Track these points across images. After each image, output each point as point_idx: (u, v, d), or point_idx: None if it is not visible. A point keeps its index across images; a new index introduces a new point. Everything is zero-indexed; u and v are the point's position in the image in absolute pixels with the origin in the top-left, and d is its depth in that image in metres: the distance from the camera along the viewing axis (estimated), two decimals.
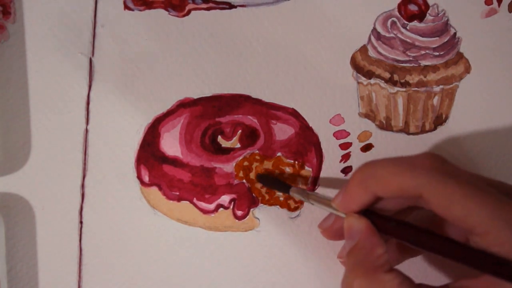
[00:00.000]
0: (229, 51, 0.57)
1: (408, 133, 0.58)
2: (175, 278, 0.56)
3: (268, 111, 0.57)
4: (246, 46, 0.57)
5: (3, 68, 0.55)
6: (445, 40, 0.57)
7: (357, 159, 0.57)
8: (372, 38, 0.57)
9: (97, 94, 0.56)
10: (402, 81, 0.57)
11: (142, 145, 0.56)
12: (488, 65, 0.58)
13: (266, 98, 0.57)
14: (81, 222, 0.56)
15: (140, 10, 0.56)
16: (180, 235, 0.56)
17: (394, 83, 0.57)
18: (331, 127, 0.57)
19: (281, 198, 0.57)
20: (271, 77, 0.57)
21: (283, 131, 0.57)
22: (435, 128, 0.58)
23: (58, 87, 0.55)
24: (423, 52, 0.56)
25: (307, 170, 0.57)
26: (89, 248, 0.56)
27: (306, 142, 0.57)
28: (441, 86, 0.57)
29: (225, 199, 0.56)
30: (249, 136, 0.56)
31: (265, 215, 0.57)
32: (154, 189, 0.56)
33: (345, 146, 0.57)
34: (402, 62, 0.57)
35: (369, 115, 0.58)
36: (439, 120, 0.58)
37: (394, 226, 0.47)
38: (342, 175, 0.57)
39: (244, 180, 0.56)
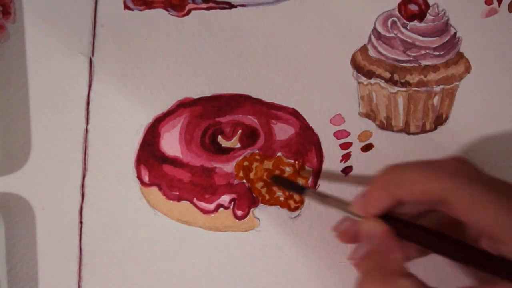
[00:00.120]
0: (229, 51, 0.57)
1: (409, 133, 0.58)
2: (175, 278, 0.56)
3: (268, 111, 0.57)
4: (246, 46, 0.57)
5: (3, 68, 0.55)
6: (446, 40, 0.57)
7: (358, 159, 0.57)
8: (373, 38, 0.57)
9: (97, 94, 0.56)
10: (403, 81, 0.56)
11: (142, 145, 0.56)
12: (489, 65, 0.57)
13: (266, 98, 0.57)
14: (81, 222, 0.56)
15: (140, 10, 0.56)
16: (180, 235, 0.56)
17: (394, 83, 0.57)
18: (331, 127, 0.57)
19: (282, 198, 0.57)
20: (271, 77, 0.57)
21: (283, 131, 0.57)
22: (435, 128, 0.58)
23: (58, 87, 0.55)
24: (423, 52, 0.56)
25: (308, 170, 0.57)
26: (89, 248, 0.56)
27: (307, 142, 0.57)
28: (441, 86, 0.57)
29: (225, 199, 0.56)
30: (249, 136, 0.56)
31: (265, 215, 0.57)
32: (154, 189, 0.56)
33: (345, 146, 0.57)
34: (403, 62, 0.57)
35: (370, 115, 0.58)
36: (440, 120, 0.58)
37: (414, 231, 0.47)
38: (342, 175, 0.57)
39: (244, 180, 0.56)
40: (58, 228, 0.55)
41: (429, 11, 0.57)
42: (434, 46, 0.57)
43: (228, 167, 0.56)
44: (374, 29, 0.57)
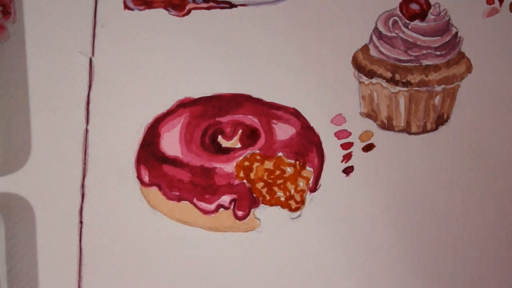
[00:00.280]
0: (229, 51, 0.57)
1: (410, 133, 0.58)
2: (175, 278, 0.56)
3: (269, 110, 0.57)
4: (247, 46, 0.57)
5: (3, 68, 0.55)
6: (447, 40, 0.57)
7: (359, 159, 0.57)
8: (374, 38, 0.57)
9: (97, 94, 0.56)
10: (404, 80, 0.56)
11: (142, 145, 0.56)
12: (490, 64, 0.57)
13: (266, 98, 0.57)
14: (81, 222, 0.56)
15: (140, 10, 0.56)
16: (180, 235, 0.56)
17: (395, 82, 0.56)
18: (332, 127, 0.57)
19: (282, 199, 0.56)
20: (271, 76, 0.57)
21: (284, 131, 0.57)
22: (436, 128, 0.58)
23: (58, 87, 0.55)
24: (424, 51, 0.56)
25: (308, 170, 0.57)
26: (89, 248, 0.56)
27: (307, 142, 0.57)
28: (442, 86, 0.57)
29: (225, 199, 0.56)
30: (250, 136, 0.56)
31: (266, 216, 0.57)
32: (154, 189, 0.56)
33: (346, 146, 0.57)
34: (404, 61, 0.57)
35: (371, 115, 0.57)
36: (441, 120, 0.58)
37: None
38: (343, 175, 0.57)
39: (244, 180, 0.56)
40: (58, 228, 0.55)
41: (430, 11, 0.57)
42: (436, 45, 0.56)
43: (229, 167, 0.56)
44: (376, 28, 0.57)
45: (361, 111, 0.57)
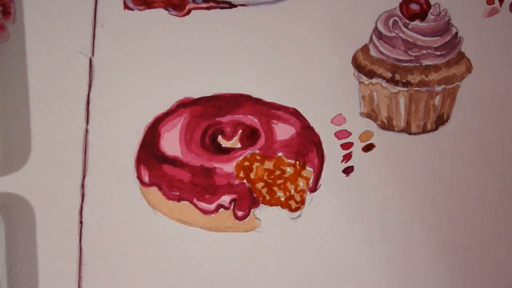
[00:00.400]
0: (229, 51, 0.57)
1: (410, 133, 0.58)
2: (175, 278, 0.56)
3: (269, 110, 0.57)
4: (247, 46, 0.57)
5: (3, 68, 0.55)
6: (447, 40, 0.57)
7: (359, 159, 0.57)
8: (374, 38, 0.57)
9: (97, 94, 0.56)
10: (404, 80, 0.56)
11: (142, 145, 0.56)
12: (490, 64, 0.57)
13: (266, 98, 0.57)
14: (81, 222, 0.56)
15: (140, 10, 0.56)
16: (180, 235, 0.56)
17: (395, 82, 0.56)
18: (332, 127, 0.57)
19: (282, 199, 0.56)
20: (271, 76, 0.57)
21: (284, 131, 0.57)
22: (436, 128, 0.58)
23: (58, 87, 0.55)
24: (424, 51, 0.56)
25: (308, 170, 0.57)
26: (89, 248, 0.56)
27: (307, 142, 0.57)
28: (442, 86, 0.57)
29: (225, 199, 0.56)
30: (250, 136, 0.56)
31: (266, 216, 0.57)
32: (154, 189, 0.56)
33: (346, 146, 0.57)
34: (404, 61, 0.56)
35: (371, 115, 0.57)
36: (441, 120, 0.58)
37: None
38: (343, 175, 0.57)
39: (244, 180, 0.56)
40: (58, 228, 0.55)
41: (430, 11, 0.57)
42: (436, 45, 0.56)
43: (229, 167, 0.56)
44: (376, 28, 0.57)
45: (361, 111, 0.57)
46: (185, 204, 0.56)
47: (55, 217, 0.55)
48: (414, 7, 0.57)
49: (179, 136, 0.56)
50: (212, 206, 0.56)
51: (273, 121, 0.57)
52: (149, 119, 0.56)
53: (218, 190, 0.56)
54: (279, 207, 0.57)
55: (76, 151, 0.56)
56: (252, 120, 0.56)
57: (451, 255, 0.57)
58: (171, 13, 0.56)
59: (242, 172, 0.56)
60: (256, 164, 0.56)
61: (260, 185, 0.56)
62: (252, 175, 0.56)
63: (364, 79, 0.57)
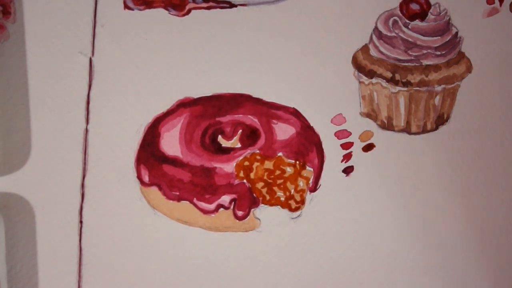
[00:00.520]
0: (229, 51, 0.57)
1: (410, 133, 0.58)
2: (175, 278, 0.56)
3: (269, 110, 0.57)
4: (247, 46, 0.57)
5: (3, 68, 0.55)
6: (447, 40, 0.57)
7: (359, 159, 0.57)
8: (374, 37, 0.57)
9: (97, 94, 0.56)
10: (404, 80, 0.56)
11: (142, 145, 0.56)
12: (490, 64, 0.57)
13: (266, 98, 0.57)
14: (81, 222, 0.56)
15: (140, 10, 0.56)
16: (180, 235, 0.56)
17: (395, 82, 0.56)
18: (332, 127, 0.57)
19: (282, 199, 0.56)
20: (271, 76, 0.57)
21: (284, 130, 0.57)
22: (436, 128, 0.58)
23: (58, 87, 0.55)
24: (424, 51, 0.56)
25: (308, 170, 0.57)
26: (89, 248, 0.56)
27: (307, 142, 0.57)
28: (442, 86, 0.57)
29: (225, 199, 0.56)
30: (250, 136, 0.56)
31: (266, 216, 0.57)
32: (154, 189, 0.56)
33: (346, 146, 0.57)
34: (404, 61, 0.56)
35: (371, 114, 0.57)
36: (441, 120, 0.58)
37: None
38: (343, 175, 0.57)
39: (244, 180, 0.56)
40: (58, 228, 0.55)
41: (430, 11, 0.57)
42: (436, 45, 0.56)
43: (229, 167, 0.56)
44: (376, 28, 0.57)
45: (361, 111, 0.57)
46: (185, 204, 0.56)
47: (55, 217, 0.55)
48: (414, 7, 0.57)
49: (179, 136, 0.56)
50: (212, 206, 0.56)
51: (273, 121, 0.57)
52: (149, 119, 0.56)
53: (218, 190, 0.56)
54: (279, 207, 0.57)
55: (76, 151, 0.56)
56: (252, 120, 0.56)
57: (451, 255, 0.57)
58: (171, 13, 0.56)
59: (242, 172, 0.56)
60: (256, 164, 0.56)
61: (260, 185, 0.56)
62: (252, 175, 0.56)
63: (364, 79, 0.57)
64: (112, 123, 0.56)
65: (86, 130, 0.56)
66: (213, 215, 0.56)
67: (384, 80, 0.57)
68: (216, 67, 0.56)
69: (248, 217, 0.56)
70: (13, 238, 0.55)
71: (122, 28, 0.56)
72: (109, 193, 0.56)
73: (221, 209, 0.56)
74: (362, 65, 0.57)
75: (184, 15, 0.56)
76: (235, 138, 0.56)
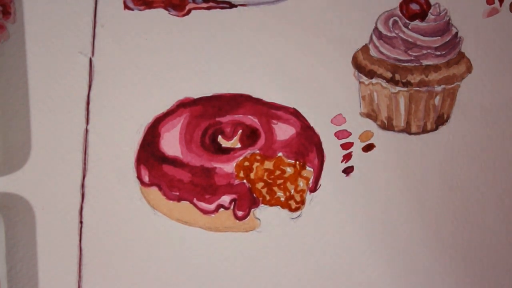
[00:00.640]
0: (229, 51, 0.57)
1: (410, 133, 0.58)
2: (175, 278, 0.56)
3: (269, 110, 0.57)
4: (247, 46, 0.57)
5: (3, 68, 0.55)
6: (447, 40, 0.57)
7: (359, 159, 0.57)
8: (374, 38, 0.57)
9: (97, 94, 0.56)
10: (404, 80, 0.56)
11: (142, 145, 0.56)
12: (490, 64, 0.57)
13: (266, 98, 0.57)
14: (81, 222, 0.56)
15: (140, 10, 0.56)
16: (180, 235, 0.56)
17: (395, 82, 0.56)
18: (332, 127, 0.57)
19: (282, 199, 0.56)
20: (271, 76, 0.57)
21: (284, 131, 0.57)
22: (436, 128, 0.58)
23: (58, 87, 0.55)
24: (424, 51, 0.56)
25: (308, 170, 0.57)
26: (89, 248, 0.56)
27: (307, 142, 0.57)
28: (442, 86, 0.57)
29: (225, 199, 0.56)
30: (250, 136, 0.56)
31: (266, 216, 0.57)
32: (154, 189, 0.56)
33: (346, 146, 0.57)
34: (404, 61, 0.56)
35: (371, 115, 0.57)
36: (441, 120, 0.58)
37: None
38: (343, 175, 0.57)
39: (244, 180, 0.56)
40: (58, 228, 0.55)
41: (430, 11, 0.57)
42: (436, 45, 0.56)
43: (229, 167, 0.56)
44: (376, 28, 0.57)
45: (361, 111, 0.57)
46: (185, 204, 0.56)
47: (55, 217, 0.55)
48: (414, 7, 0.57)
49: (179, 136, 0.56)
50: (212, 206, 0.56)
51: (273, 121, 0.57)
52: (149, 119, 0.56)
53: (218, 190, 0.56)
54: (279, 207, 0.57)
55: (76, 151, 0.56)
56: (252, 120, 0.56)
57: (451, 255, 0.57)
58: (171, 13, 0.56)
59: (242, 172, 0.56)
60: (256, 164, 0.56)
61: (260, 185, 0.56)
62: (252, 175, 0.56)
63: (364, 79, 0.57)
64: (112, 123, 0.56)
65: (86, 130, 0.56)
66: (213, 215, 0.56)
67: (384, 80, 0.57)
68: (216, 67, 0.56)
69: (248, 217, 0.56)
70: (13, 238, 0.55)
71: (122, 28, 0.56)
72: (109, 193, 0.56)
73: (221, 209, 0.56)
74: (362, 65, 0.57)
75: (184, 15, 0.56)
76: (235, 138, 0.56)
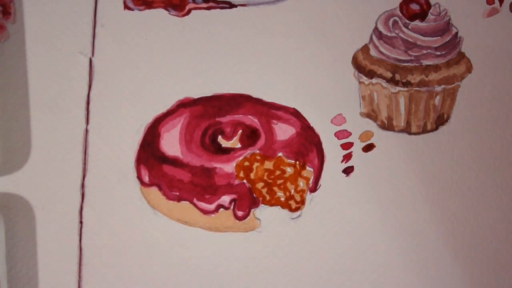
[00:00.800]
0: (229, 51, 0.57)
1: (410, 133, 0.58)
2: (175, 279, 0.56)
3: (269, 110, 0.57)
4: (247, 46, 0.57)
5: (3, 68, 0.55)
6: (447, 40, 0.57)
7: (359, 159, 0.57)
8: (374, 38, 0.57)
9: (97, 94, 0.56)
10: (404, 80, 0.56)
11: (142, 145, 0.56)
12: (490, 64, 0.57)
13: (266, 98, 0.57)
14: (81, 222, 0.56)
15: (140, 10, 0.56)
16: (180, 235, 0.56)
17: (395, 82, 0.56)
18: (332, 127, 0.57)
19: (282, 199, 0.56)
20: (271, 76, 0.57)
21: (284, 131, 0.57)
22: (436, 128, 0.58)
23: (58, 87, 0.55)
24: (424, 51, 0.56)
25: (308, 170, 0.57)
26: (89, 248, 0.56)
27: (307, 142, 0.57)
28: (442, 86, 0.57)
29: (225, 199, 0.56)
30: (250, 136, 0.56)
31: (266, 216, 0.57)
32: (154, 189, 0.56)
33: (346, 146, 0.57)
34: (404, 61, 0.56)
35: (371, 115, 0.57)
36: (441, 120, 0.58)
37: None
38: (343, 175, 0.57)
39: (244, 180, 0.56)
40: (58, 228, 0.55)
41: (430, 11, 0.57)
42: (436, 45, 0.56)
43: (229, 167, 0.56)
44: (376, 28, 0.57)
45: (361, 111, 0.57)
46: (185, 204, 0.56)
47: (55, 217, 0.55)
48: (414, 7, 0.57)
49: (179, 136, 0.56)
50: (212, 206, 0.56)
51: (273, 121, 0.57)
52: (149, 119, 0.56)
53: (218, 190, 0.56)
54: (279, 207, 0.57)
55: (76, 151, 0.56)
56: (252, 120, 0.56)
57: (451, 255, 0.57)
58: (171, 13, 0.56)
59: (242, 172, 0.56)
60: (256, 164, 0.56)
61: (260, 185, 0.56)
62: (252, 175, 0.56)
63: (364, 79, 0.57)
64: (112, 123, 0.56)
65: (86, 130, 0.56)
66: (213, 215, 0.56)
67: (384, 80, 0.56)
68: (216, 67, 0.56)
69: (248, 217, 0.56)
70: (13, 238, 0.55)
71: (122, 28, 0.56)
72: (109, 193, 0.56)
73: (221, 209, 0.56)
74: (362, 65, 0.57)
75: (184, 15, 0.57)
76: (235, 138, 0.56)
